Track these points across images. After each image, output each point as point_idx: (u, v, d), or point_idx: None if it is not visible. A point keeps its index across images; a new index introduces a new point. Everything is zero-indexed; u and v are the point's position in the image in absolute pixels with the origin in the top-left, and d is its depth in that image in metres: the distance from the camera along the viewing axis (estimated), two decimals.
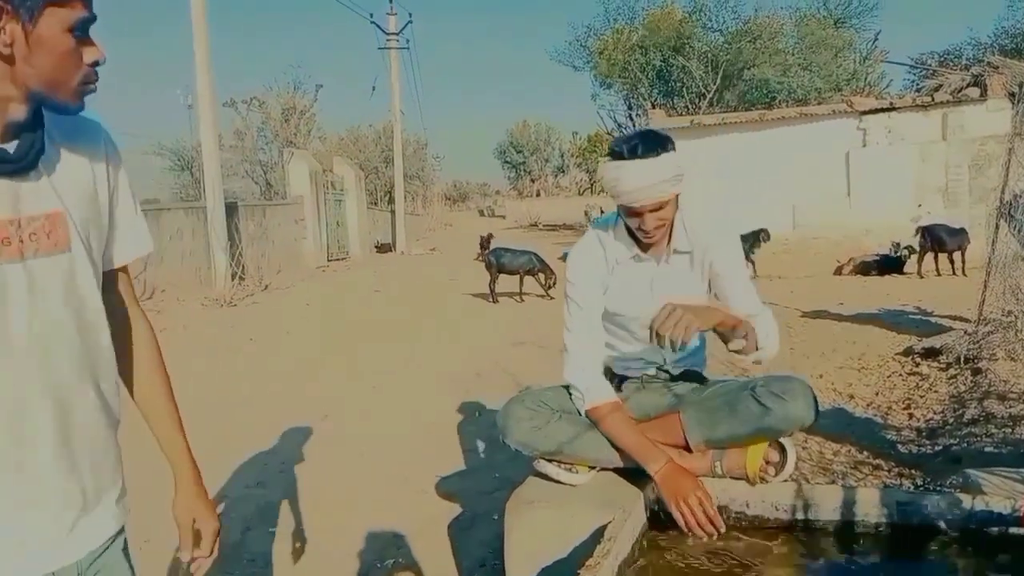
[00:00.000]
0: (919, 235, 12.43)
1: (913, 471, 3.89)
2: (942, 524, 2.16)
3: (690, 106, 24.55)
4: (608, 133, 32.60)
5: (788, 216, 13.65)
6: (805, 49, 24.61)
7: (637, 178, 2.11)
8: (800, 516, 2.28)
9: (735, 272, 2.35)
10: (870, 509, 2.23)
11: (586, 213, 37.48)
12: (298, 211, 19.72)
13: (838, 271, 13.48)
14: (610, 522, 2.04)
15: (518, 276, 11.84)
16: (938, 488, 2.46)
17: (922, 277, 12.37)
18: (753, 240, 12.91)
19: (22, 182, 1.14)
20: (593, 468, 2.35)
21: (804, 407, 2.19)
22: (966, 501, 2.16)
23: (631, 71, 25.99)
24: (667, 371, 2.54)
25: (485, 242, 17.77)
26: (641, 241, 2.32)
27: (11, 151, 1.12)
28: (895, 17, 55.80)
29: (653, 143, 2.15)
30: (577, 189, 56.51)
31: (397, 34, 28.06)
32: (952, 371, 5.66)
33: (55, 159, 1.20)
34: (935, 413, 4.90)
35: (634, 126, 29.93)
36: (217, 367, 7.81)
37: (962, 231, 12.21)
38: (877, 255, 13.40)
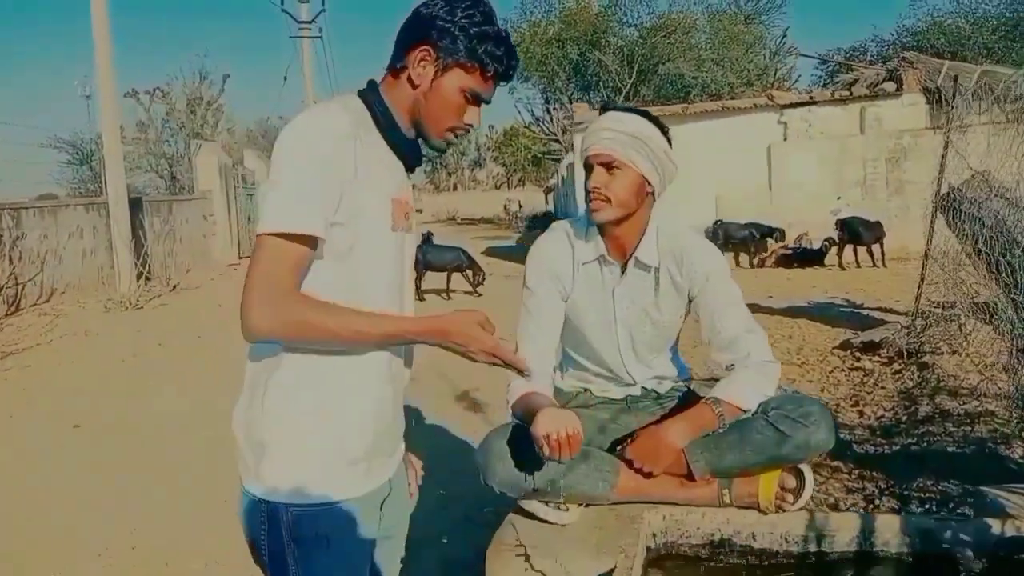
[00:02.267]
0: (837, 228, 12.63)
1: (874, 472, 3.75)
2: (969, 552, 1.96)
3: (606, 100, 24.60)
4: (526, 127, 32.48)
5: (711, 209, 13.68)
6: (718, 44, 25.00)
7: (601, 122, 2.06)
8: (813, 548, 2.05)
9: (717, 294, 2.11)
10: (890, 537, 2.02)
11: (505, 207, 37.32)
12: (207, 206, 18.91)
13: (760, 263, 13.61)
14: (612, 570, 1.76)
15: (445, 273, 11.47)
16: (958, 512, 2.26)
17: (843, 269, 12.57)
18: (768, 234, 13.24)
19: (407, 177, 1.53)
20: (582, 505, 2.06)
21: (826, 432, 1.95)
22: (994, 526, 1.97)
23: (548, 65, 25.88)
24: (655, 391, 2.27)
25: (421, 240, 17.08)
26: (604, 235, 2.08)
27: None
28: (802, 14, 57.49)
29: (643, 112, 2.09)
30: (494, 183, 56.23)
31: (310, 22, 27.22)
32: (896, 366, 5.62)
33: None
34: (886, 410, 4.82)
35: (552, 120, 29.91)
36: (125, 376, 7.24)
37: (878, 224, 12.46)
38: (796, 247, 13.59)
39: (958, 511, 3.21)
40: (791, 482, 2.00)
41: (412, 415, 5.38)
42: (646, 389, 2.27)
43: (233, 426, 1.45)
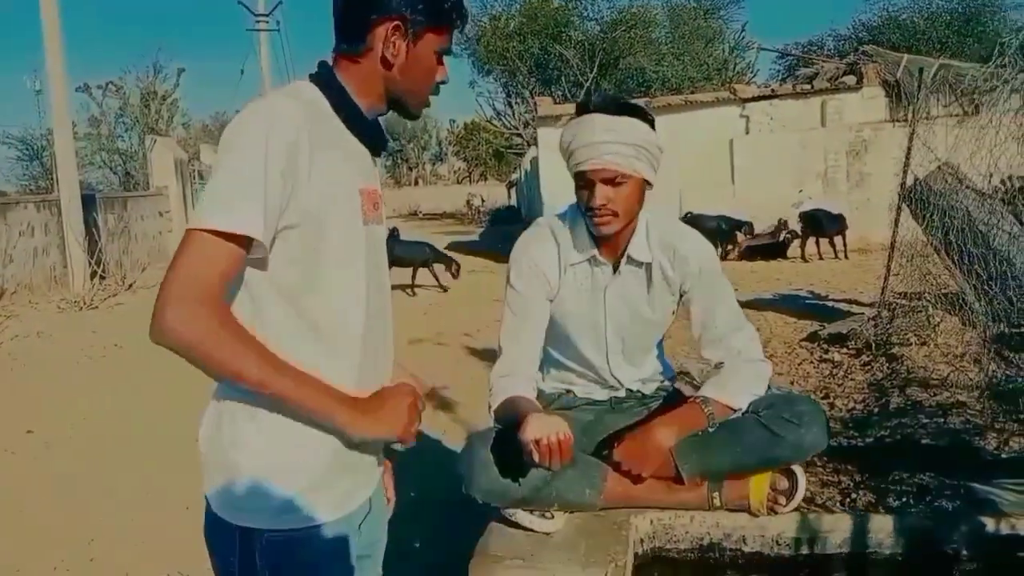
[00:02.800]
0: (800, 220, 12.73)
1: (848, 465, 3.73)
2: (964, 551, 1.92)
3: (567, 94, 24.63)
4: (487, 121, 32.39)
5: (675, 202, 13.71)
6: (678, 39, 25.18)
7: (594, 132, 1.88)
8: (805, 550, 1.99)
9: (709, 289, 2.04)
10: (883, 538, 1.97)
11: (468, 202, 37.16)
12: (163, 203, 18.59)
13: (724, 256, 13.67)
14: None
15: (411, 269, 11.32)
16: (936, 505, 2.22)
17: (806, 261, 12.68)
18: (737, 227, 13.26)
19: (373, 163, 1.43)
20: (567, 512, 1.97)
21: (819, 433, 1.89)
22: (988, 524, 1.93)
23: (509, 59, 25.84)
24: (640, 392, 2.20)
25: (389, 235, 16.61)
26: (595, 236, 1.97)
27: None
28: (759, 9, 58.09)
29: (626, 106, 1.94)
30: (456, 177, 56.02)
31: (267, 15, 26.75)
32: (864, 357, 5.63)
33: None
34: (857, 403, 4.81)
35: (513, 114, 29.86)
36: (80, 379, 7.02)
37: (840, 216, 12.59)
38: (754, 236, 13.68)
39: (936, 504, 3.21)
40: (783, 483, 1.94)
41: None
42: (631, 390, 2.20)
43: (199, 441, 1.33)
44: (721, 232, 13.55)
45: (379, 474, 1.50)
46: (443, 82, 1.42)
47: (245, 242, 1.17)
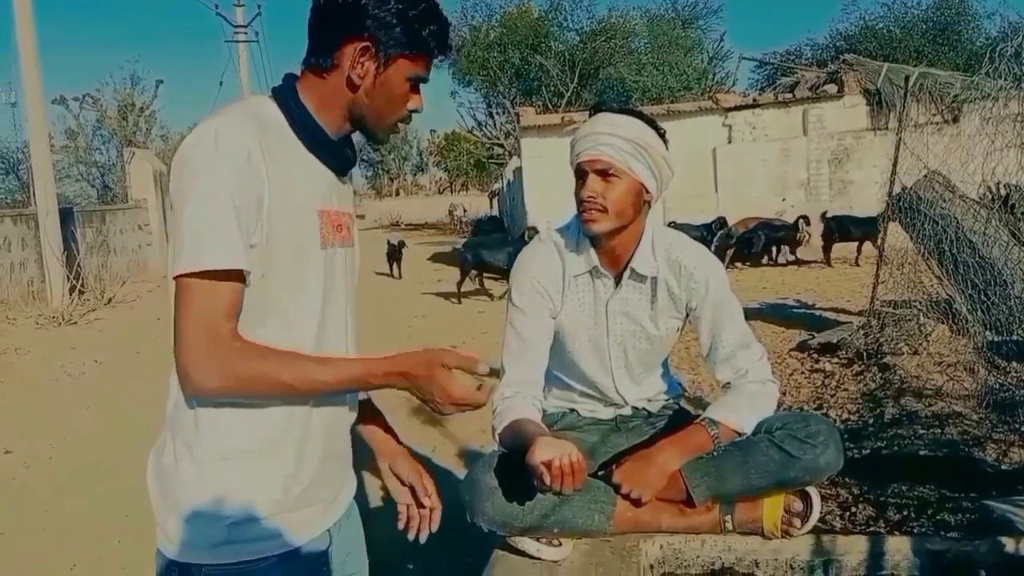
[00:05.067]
0: (824, 223, 12.59)
1: (847, 478, 3.69)
2: (983, 573, 1.86)
3: (548, 104, 24.68)
4: (468, 131, 32.39)
5: (658, 211, 13.72)
6: (657, 49, 25.29)
7: (595, 125, 1.89)
8: (820, 573, 1.93)
9: (716, 307, 1.98)
10: (900, 560, 1.91)
11: (451, 212, 37.09)
12: (142, 216, 18.44)
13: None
14: None
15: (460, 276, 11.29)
16: (967, 527, 2.17)
17: (831, 266, 12.47)
18: (793, 228, 13.07)
19: (339, 182, 1.37)
20: (575, 538, 1.90)
21: (835, 453, 1.83)
22: (1008, 545, 1.87)
23: (490, 69, 25.89)
24: (646, 410, 2.13)
25: (395, 250, 15.54)
26: (594, 243, 1.94)
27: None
28: (738, 19, 58.60)
29: (636, 112, 1.94)
30: (437, 188, 55.96)
31: (245, 26, 26.67)
32: (856, 367, 5.61)
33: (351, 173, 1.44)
34: (851, 413, 4.79)
35: (495, 124, 29.90)
36: (59, 396, 6.87)
37: (869, 220, 12.13)
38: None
39: (938, 518, 3.17)
40: (798, 506, 1.88)
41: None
42: (636, 408, 2.13)
43: (147, 475, 1.29)
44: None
45: (342, 503, 1.43)
46: (415, 111, 1.35)
47: (236, 275, 1.16)
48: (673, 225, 12.92)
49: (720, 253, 13.20)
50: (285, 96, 1.29)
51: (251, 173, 1.16)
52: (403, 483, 1.55)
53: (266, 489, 1.25)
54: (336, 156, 1.33)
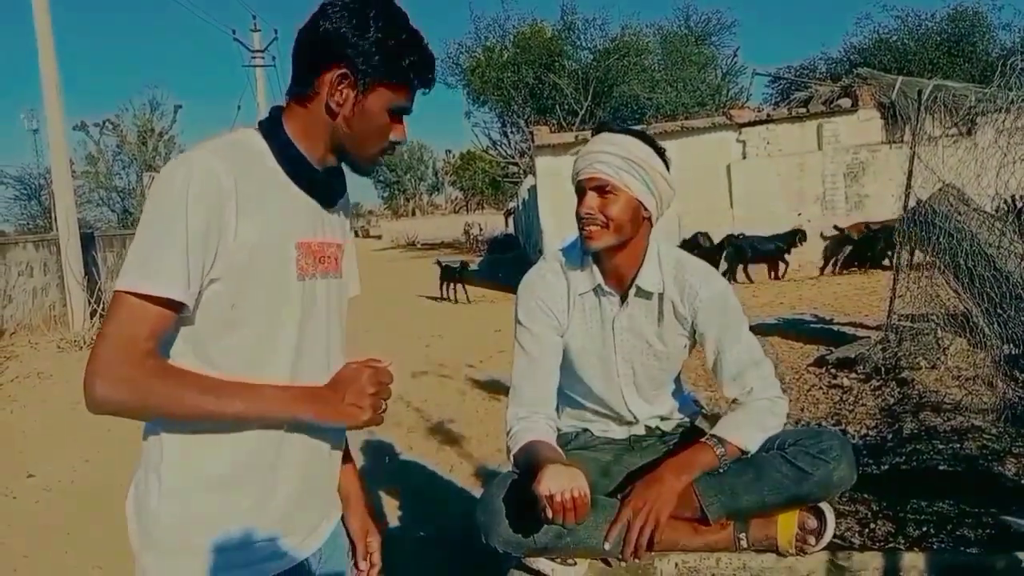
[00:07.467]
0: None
1: (865, 494, 3.67)
2: None
3: (562, 123, 24.75)
4: (483, 150, 32.52)
5: (675, 227, 13.70)
6: (671, 66, 25.34)
7: (595, 144, 1.94)
8: None
9: (721, 324, 1.99)
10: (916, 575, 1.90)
11: (466, 230, 37.22)
12: None
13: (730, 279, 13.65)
14: None
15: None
16: (986, 542, 2.16)
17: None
18: (790, 240, 13.28)
19: (327, 212, 1.38)
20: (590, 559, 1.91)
21: (848, 469, 1.83)
22: None
23: (504, 88, 25.99)
24: (660, 429, 2.14)
25: (454, 272, 14.83)
26: (596, 261, 1.97)
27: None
28: (751, 34, 58.70)
29: (636, 132, 1.98)
30: (453, 207, 56.19)
31: (262, 51, 27.00)
32: (875, 382, 5.58)
33: (342, 203, 1.44)
34: (869, 429, 4.76)
35: (509, 143, 30.01)
36: (81, 421, 6.92)
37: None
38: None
39: (958, 533, 3.14)
40: (812, 522, 1.88)
41: (384, 451, 5.21)
42: (650, 427, 2.14)
43: (126, 507, 1.32)
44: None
45: (322, 533, 1.44)
46: (398, 143, 1.35)
47: (169, 303, 1.18)
48: (743, 236, 13.37)
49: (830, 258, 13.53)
50: (270, 128, 1.31)
51: (216, 208, 1.18)
52: (350, 538, 1.57)
53: (234, 519, 1.27)
54: (320, 187, 1.34)
